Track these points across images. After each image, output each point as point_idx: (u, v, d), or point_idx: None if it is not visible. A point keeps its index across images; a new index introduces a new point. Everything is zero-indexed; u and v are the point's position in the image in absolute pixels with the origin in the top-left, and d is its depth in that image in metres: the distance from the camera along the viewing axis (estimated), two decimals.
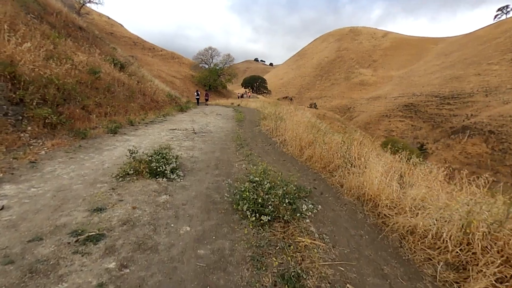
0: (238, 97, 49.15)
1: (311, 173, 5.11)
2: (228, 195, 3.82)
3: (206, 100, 30.35)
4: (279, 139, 7.46)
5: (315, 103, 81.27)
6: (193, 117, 13.98)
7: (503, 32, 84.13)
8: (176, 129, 9.74)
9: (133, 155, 4.98)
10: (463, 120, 60.94)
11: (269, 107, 15.70)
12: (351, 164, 4.44)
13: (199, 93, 29.58)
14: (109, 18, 66.23)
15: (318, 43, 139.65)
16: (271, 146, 7.23)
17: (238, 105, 28.07)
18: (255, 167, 4.45)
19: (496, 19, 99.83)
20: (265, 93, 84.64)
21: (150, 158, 4.91)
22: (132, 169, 4.58)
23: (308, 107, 60.18)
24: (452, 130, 59.52)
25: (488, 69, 72.67)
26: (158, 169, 4.60)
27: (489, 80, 69.24)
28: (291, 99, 79.55)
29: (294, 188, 3.70)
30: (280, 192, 3.42)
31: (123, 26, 69.25)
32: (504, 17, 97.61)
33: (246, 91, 61.22)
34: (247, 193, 3.39)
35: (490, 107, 59.16)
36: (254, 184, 3.76)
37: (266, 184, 3.71)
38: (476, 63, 78.26)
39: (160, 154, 5.08)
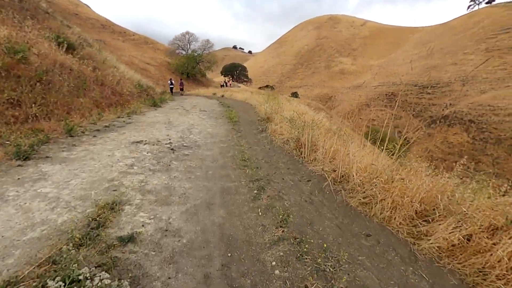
0: (221, 85, 44.99)
1: None
2: None
3: (181, 89, 27.27)
4: (323, 169, 4.11)
5: (296, 92, 78.48)
6: (170, 116, 10.27)
7: (477, 23, 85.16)
8: (142, 141, 6.11)
9: None
10: (442, 110, 60.80)
11: (265, 100, 12.23)
12: None
13: (173, 82, 26.87)
14: None
15: (297, 31, 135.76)
16: (312, 184, 3.90)
17: (222, 96, 24.32)
18: None
19: (469, 9, 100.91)
20: (246, 82, 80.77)
21: None
22: None
23: (289, 96, 57.05)
24: (432, 119, 59.01)
25: (464, 59, 73.24)
26: None
27: (465, 69, 69.75)
28: (272, 88, 76.31)
29: None
30: None
31: (89, 7, 61.86)
32: (476, 7, 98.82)
33: (225, 80, 56.71)
34: None
35: (468, 96, 59.22)
36: None
37: None
38: (452, 52, 78.77)
39: None
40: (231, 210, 3.26)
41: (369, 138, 3.95)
